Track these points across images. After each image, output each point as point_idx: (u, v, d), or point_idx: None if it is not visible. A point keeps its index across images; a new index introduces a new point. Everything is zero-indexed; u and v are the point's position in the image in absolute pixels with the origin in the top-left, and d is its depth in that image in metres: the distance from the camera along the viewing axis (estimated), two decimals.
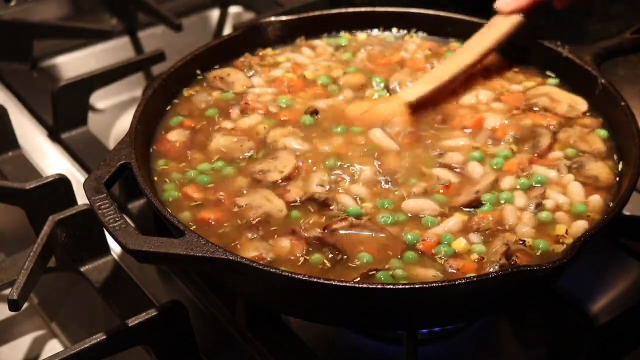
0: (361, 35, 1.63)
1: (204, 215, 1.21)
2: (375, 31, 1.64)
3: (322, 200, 1.22)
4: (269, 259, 1.14)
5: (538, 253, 1.16)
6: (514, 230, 1.19)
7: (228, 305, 1.31)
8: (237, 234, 1.18)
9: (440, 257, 1.15)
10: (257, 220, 1.20)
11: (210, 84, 1.49)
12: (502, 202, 1.24)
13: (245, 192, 1.25)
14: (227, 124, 1.40)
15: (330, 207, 1.22)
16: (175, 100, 1.45)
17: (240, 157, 1.33)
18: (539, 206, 1.23)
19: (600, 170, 1.29)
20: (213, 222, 1.20)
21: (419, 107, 1.42)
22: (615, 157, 1.33)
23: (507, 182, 1.27)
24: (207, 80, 1.50)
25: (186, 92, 1.47)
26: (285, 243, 1.17)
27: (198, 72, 1.50)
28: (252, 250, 1.15)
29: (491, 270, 1.12)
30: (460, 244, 1.16)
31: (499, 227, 1.20)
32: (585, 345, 1.21)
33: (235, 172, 1.30)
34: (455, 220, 1.21)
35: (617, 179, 1.28)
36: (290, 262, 1.14)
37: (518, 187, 1.26)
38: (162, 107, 1.42)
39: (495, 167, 1.30)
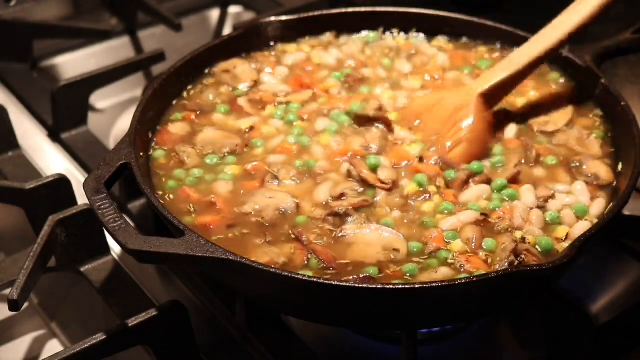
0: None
1: (203, 220, 1.21)
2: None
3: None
4: (280, 262, 1.13)
5: (542, 252, 1.16)
6: (522, 229, 1.19)
7: (228, 305, 1.31)
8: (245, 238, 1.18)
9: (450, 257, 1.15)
10: (270, 220, 1.20)
11: (218, 78, 1.49)
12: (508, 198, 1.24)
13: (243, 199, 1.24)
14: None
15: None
16: (183, 96, 1.45)
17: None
18: (545, 206, 1.23)
19: (600, 167, 1.29)
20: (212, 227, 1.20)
21: (493, 97, 1.35)
22: (614, 156, 1.33)
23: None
24: (214, 75, 1.49)
25: (193, 91, 1.46)
26: (289, 249, 1.16)
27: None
28: (261, 254, 1.15)
29: (499, 268, 1.11)
30: (457, 245, 1.16)
31: (511, 225, 1.20)
32: (585, 345, 1.21)
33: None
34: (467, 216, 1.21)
35: (617, 177, 1.28)
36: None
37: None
38: (162, 107, 1.42)
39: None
